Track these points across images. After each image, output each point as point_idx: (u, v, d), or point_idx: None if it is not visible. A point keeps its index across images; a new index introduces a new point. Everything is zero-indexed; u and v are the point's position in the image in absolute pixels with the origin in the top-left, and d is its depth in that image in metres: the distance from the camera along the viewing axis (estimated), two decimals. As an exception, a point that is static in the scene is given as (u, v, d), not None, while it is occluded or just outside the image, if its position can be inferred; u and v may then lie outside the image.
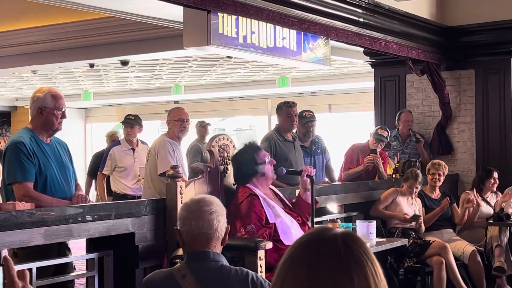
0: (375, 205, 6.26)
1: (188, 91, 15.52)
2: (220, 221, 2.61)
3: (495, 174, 6.96)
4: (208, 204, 2.62)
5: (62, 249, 4.17)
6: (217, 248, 2.56)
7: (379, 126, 7.17)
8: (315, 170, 4.71)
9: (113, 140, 8.24)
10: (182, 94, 15.62)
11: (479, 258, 6.23)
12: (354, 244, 1.33)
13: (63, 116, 4.25)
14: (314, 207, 4.43)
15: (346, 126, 15.26)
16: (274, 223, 4.29)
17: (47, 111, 4.19)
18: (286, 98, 8.46)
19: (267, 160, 4.52)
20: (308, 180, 4.52)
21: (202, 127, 10.00)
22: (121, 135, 7.82)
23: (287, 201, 4.66)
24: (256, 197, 4.40)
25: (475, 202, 6.71)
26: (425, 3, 7.56)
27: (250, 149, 4.58)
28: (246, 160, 4.52)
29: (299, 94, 15.06)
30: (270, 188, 4.65)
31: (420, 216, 6.18)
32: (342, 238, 1.34)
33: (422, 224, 6.26)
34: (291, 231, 4.32)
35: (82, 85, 15.20)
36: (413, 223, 6.19)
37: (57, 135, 4.39)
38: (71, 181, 4.38)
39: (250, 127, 17.74)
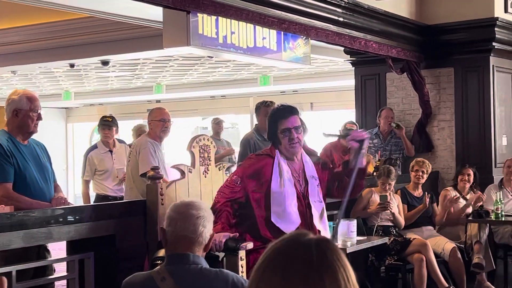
0: (354, 209, 6.28)
1: (170, 90, 15.50)
2: (206, 227, 2.60)
3: (468, 171, 6.99)
4: (197, 209, 2.61)
5: (41, 251, 4.16)
6: (199, 253, 2.57)
7: (347, 121, 7.19)
8: (367, 133, 4.23)
9: (139, 134, 8.12)
10: (163, 93, 15.60)
11: (459, 255, 6.28)
12: (328, 249, 1.34)
13: (39, 118, 4.25)
14: (355, 173, 4.00)
15: (328, 124, 15.31)
16: (267, 194, 4.10)
17: (23, 113, 4.19)
18: (268, 97, 8.48)
19: (289, 133, 4.11)
20: (357, 144, 4.09)
21: (216, 124, 9.81)
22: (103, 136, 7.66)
23: (318, 190, 4.27)
24: (272, 158, 4.17)
25: (452, 200, 6.76)
26: (404, 2, 7.61)
27: (280, 113, 4.21)
28: (270, 122, 4.25)
29: (281, 92, 15.10)
30: (303, 166, 4.25)
31: (386, 195, 6.18)
32: (316, 244, 1.35)
33: (395, 210, 6.24)
34: (286, 207, 4.08)
35: (63, 85, 15.12)
36: (390, 216, 6.21)
37: (38, 134, 4.38)
38: (50, 182, 4.38)
39: (233, 126, 17.75)
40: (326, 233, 4.19)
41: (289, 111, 4.20)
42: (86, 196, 7.29)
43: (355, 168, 4.03)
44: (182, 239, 2.56)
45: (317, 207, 4.23)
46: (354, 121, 8.12)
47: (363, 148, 4.08)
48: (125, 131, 10.31)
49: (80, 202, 8.60)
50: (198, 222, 2.58)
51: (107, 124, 7.19)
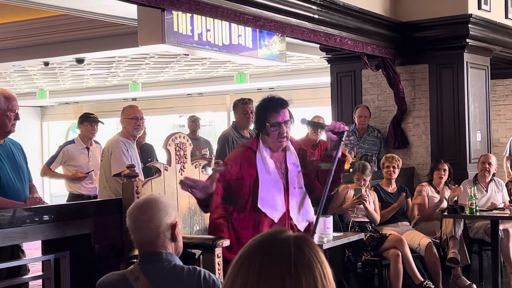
0: (330, 205, 6.30)
1: (146, 88, 15.44)
2: (162, 225, 2.55)
3: (444, 166, 7.05)
4: (147, 213, 2.56)
5: (15, 251, 4.13)
6: (169, 248, 2.56)
7: (313, 116, 7.22)
8: (348, 127, 4.07)
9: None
10: (139, 91, 15.54)
11: (435, 250, 6.33)
12: (306, 246, 1.36)
13: (16, 117, 4.20)
14: (334, 166, 3.92)
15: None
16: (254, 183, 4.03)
17: (0, 112, 4.14)
18: (245, 94, 8.47)
19: (279, 127, 4.04)
20: (335, 137, 3.97)
21: (193, 122, 9.46)
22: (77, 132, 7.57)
23: (296, 174, 4.20)
24: (252, 152, 4.10)
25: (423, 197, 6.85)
26: (379, -1, 7.65)
27: (271, 105, 4.10)
28: (260, 112, 4.15)
29: (257, 89, 15.10)
30: (285, 153, 4.19)
31: (361, 188, 6.22)
32: (295, 240, 1.36)
33: (370, 205, 6.29)
34: (273, 194, 4.05)
35: (37, 84, 14.99)
36: (364, 211, 6.24)
37: (13, 134, 4.33)
38: (25, 182, 4.35)
39: (210, 123, 17.73)
40: (302, 224, 4.15)
41: (281, 104, 4.11)
42: (56, 174, 7.14)
43: (335, 161, 3.96)
44: (147, 244, 2.56)
45: (296, 194, 4.18)
46: (330, 116, 8.16)
47: (343, 141, 4.00)
48: (100, 130, 10.21)
49: (56, 202, 8.49)
50: (154, 226, 2.54)
51: (94, 120, 7.11)
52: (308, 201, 4.23)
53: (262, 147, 4.13)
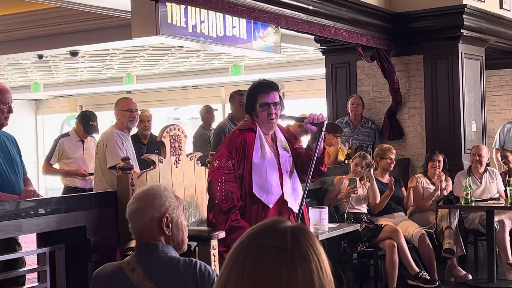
0: (326, 197, 6.31)
1: (141, 81, 15.41)
2: (146, 217, 2.55)
3: (438, 157, 7.05)
4: (135, 204, 2.58)
5: (11, 244, 4.13)
6: (162, 240, 2.55)
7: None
8: (326, 118, 4.16)
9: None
10: (134, 84, 15.51)
11: (428, 241, 6.34)
12: (302, 237, 1.35)
13: (10, 110, 4.17)
14: (315, 157, 4.01)
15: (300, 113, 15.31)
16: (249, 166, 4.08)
17: None
18: (240, 86, 8.45)
19: (268, 107, 4.11)
20: (315, 128, 4.05)
21: (208, 113, 9.03)
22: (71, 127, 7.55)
23: (287, 158, 4.27)
24: (254, 132, 4.16)
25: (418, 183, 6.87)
26: (373, -11, 7.63)
27: (261, 86, 4.20)
28: (250, 94, 4.24)
29: (252, 81, 15.07)
30: (275, 138, 4.27)
31: (355, 178, 6.23)
32: (292, 231, 1.35)
33: (364, 191, 6.32)
34: (267, 177, 4.08)
35: (32, 77, 14.95)
36: (365, 193, 6.26)
37: (7, 127, 4.31)
38: (20, 175, 4.33)
39: (205, 116, 17.70)
40: (295, 206, 4.20)
41: (270, 86, 4.22)
42: (57, 171, 7.12)
43: (315, 151, 4.02)
44: (139, 235, 2.57)
45: (288, 178, 4.23)
46: (325, 108, 8.14)
47: (323, 131, 4.06)
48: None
49: (51, 195, 8.48)
50: (143, 222, 2.54)
51: (94, 128, 7.08)
52: (299, 185, 4.28)
53: (259, 128, 4.18)
